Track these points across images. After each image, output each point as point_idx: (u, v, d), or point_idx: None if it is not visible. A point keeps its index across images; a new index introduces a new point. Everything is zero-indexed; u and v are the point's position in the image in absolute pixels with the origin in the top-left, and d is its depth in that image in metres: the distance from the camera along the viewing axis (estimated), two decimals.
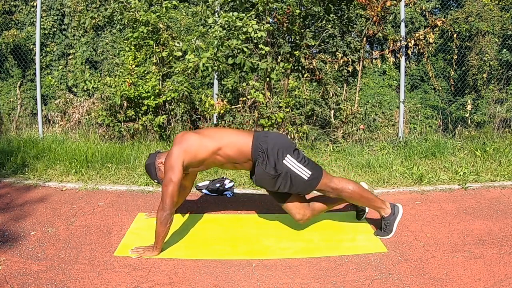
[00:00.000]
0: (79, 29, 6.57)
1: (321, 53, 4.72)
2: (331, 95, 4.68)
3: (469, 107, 5.19)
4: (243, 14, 4.00)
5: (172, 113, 4.76)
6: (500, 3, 6.33)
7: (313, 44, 4.61)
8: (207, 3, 4.51)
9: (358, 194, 2.43)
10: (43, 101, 5.60)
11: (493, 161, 4.08)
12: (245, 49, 4.03)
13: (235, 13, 3.96)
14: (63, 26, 6.75)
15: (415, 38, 4.61)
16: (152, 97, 4.58)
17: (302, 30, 4.52)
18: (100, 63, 6.42)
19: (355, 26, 4.85)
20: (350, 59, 4.63)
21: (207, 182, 3.46)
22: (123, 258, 2.27)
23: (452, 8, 7.25)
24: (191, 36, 4.26)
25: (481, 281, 2.04)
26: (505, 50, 6.32)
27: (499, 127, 5.11)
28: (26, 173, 3.76)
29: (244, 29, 3.97)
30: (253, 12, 4.10)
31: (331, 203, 2.59)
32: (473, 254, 2.33)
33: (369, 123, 4.87)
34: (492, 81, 6.31)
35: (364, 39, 4.67)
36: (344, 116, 4.65)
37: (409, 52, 4.66)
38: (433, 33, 4.57)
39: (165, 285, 2.02)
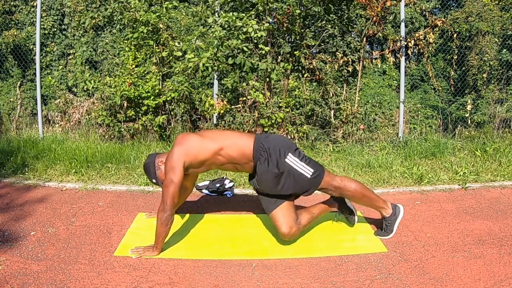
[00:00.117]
0: (79, 29, 6.58)
1: (321, 53, 4.73)
2: (331, 95, 4.68)
3: (469, 107, 5.19)
4: (243, 14, 4.00)
5: (172, 113, 4.76)
6: (500, 3, 6.33)
7: (313, 44, 4.61)
8: (207, 3, 4.51)
9: (360, 193, 2.44)
10: (43, 101, 5.60)
11: (493, 161, 4.08)
12: (245, 49, 4.03)
13: (235, 13, 3.96)
14: (63, 26, 6.75)
15: (415, 38, 4.61)
16: (152, 97, 4.58)
17: (302, 30, 4.52)
18: (100, 63, 6.43)
19: (355, 26, 4.86)
20: (350, 59, 4.63)
21: (207, 182, 3.46)
22: (123, 258, 2.27)
23: (452, 8, 7.25)
24: (191, 36, 4.26)
25: (481, 281, 2.04)
26: (505, 50, 6.32)
27: (499, 127, 5.11)
28: (26, 173, 3.76)
29: (244, 29, 3.97)
30: (253, 12, 4.10)
31: (316, 214, 2.55)
32: (473, 254, 2.33)
33: (369, 123, 4.87)
34: (492, 81, 6.32)
35: (364, 39, 4.67)
36: (344, 116, 4.65)
37: (409, 52, 4.67)
38: (433, 33, 4.58)
39: (165, 285, 2.02)
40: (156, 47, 4.68)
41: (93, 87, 4.76)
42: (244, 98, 4.53)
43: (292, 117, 4.46)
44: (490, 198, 3.24)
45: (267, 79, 4.41)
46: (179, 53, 4.49)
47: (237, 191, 3.45)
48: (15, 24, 6.82)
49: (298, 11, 4.29)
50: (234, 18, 3.93)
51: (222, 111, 4.51)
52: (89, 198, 3.21)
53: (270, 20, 4.37)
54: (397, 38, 4.71)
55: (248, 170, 2.42)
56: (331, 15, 4.54)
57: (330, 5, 4.49)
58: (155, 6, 4.75)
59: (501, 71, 6.27)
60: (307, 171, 2.34)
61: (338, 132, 4.67)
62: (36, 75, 4.96)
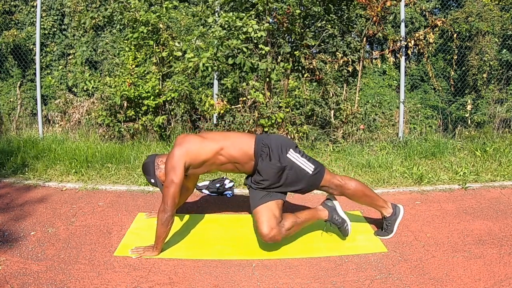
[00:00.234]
0: (79, 29, 6.58)
1: (321, 53, 4.73)
2: (331, 95, 4.68)
3: (469, 107, 5.19)
4: (243, 14, 4.00)
5: (172, 113, 4.76)
6: (500, 3, 6.33)
7: (313, 44, 4.61)
8: (207, 3, 4.52)
9: (361, 191, 2.45)
10: (43, 101, 5.60)
11: (493, 161, 4.08)
12: (245, 49, 4.03)
13: (235, 13, 3.96)
14: (63, 26, 6.75)
15: (415, 38, 4.61)
16: (152, 97, 4.58)
17: (302, 30, 4.52)
18: (100, 63, 6.42)
19: (355, 26, 4.86)
20: (350, 59, 4.63)
21: (207, 182, 3.46)
22: (123, 258, 2.27)
23: (452, 8, 7.26)
24: (191, 36, 4.26)
25: (481, 281, 2.04)
26: (505, 50, 6.32)
27: (499, 127, 5.11)
28: (26, 173, 3.76)
29: (244, 29, 3.97)
30: (253, 12, 4.10)
31: (302, 220, 2.41)
32: (473, 254, 2.33)
33: (369, 123, 4.87)
34: (492, 81, 6.32)
35: (364, 39, 4.67)
36: (344, 116, 4.65)
37: (409, 52, 4.67)
38: (433, 33, 4.58)
39: (165, 285, 2.02)
40: (156, 47, 4.68)
41: (93, 87, 4.76)
42: (244, 98, 4.53)
43: (292, 117, 4.46)
44: (490, 198, 3.24)
45: (267, 79, 4.41)
46: (179, 53, 4.48)
47: (237, 191, 3.45)
48: (15, 24, 6.82)
49: (298, 11, 4.29)
50: (234, 18, 3.93)
51: (222, 111, 4.51)
52: (89, 198, 3.21)
53: (270, 20, 4.37)
54: (397, 38, 4.71)
55: (248, 170, 2.42)
56: (331, 15, 4.54)
57: (330, 5, 4.49)
58: (155, 6, 4.75)
59: (501, 71, 6.27)
60: (309, 167, 2.35)
61: (338, 132, 4.67)
62: (36, 75, 4.96)
